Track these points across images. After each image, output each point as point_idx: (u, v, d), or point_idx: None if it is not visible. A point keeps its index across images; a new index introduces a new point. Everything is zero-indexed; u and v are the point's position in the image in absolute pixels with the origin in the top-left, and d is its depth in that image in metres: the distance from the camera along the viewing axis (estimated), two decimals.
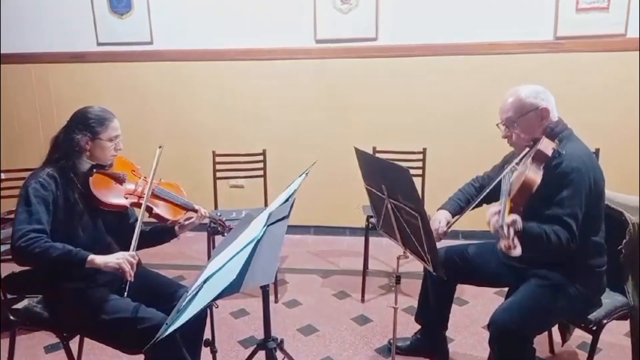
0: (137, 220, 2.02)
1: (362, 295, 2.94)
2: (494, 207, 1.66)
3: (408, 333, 2.45)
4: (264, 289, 1.68)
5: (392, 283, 1.96)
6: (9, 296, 1.92)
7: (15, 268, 1.81)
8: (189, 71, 3.74)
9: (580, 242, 1.73)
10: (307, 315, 2.79)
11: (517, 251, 1.52)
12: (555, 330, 2.26)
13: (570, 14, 3.28)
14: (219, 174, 3.17)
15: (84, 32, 3.74)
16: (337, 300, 2.95)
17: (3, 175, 2.70)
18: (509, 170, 1.82)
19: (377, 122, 3.61)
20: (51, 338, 2.42)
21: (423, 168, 3.08)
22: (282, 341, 1.80)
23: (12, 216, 1.78)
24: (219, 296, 1.33)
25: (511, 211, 1.62)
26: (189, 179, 3.48)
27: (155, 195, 1.97)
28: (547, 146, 1.76)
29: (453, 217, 2.08)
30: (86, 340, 2.20)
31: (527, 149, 1.83)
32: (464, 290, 2.89)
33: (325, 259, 3.53)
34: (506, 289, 2.17)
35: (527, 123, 1.85)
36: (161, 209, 1.96)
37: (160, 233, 2.04)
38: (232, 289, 1.34)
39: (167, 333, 1.29)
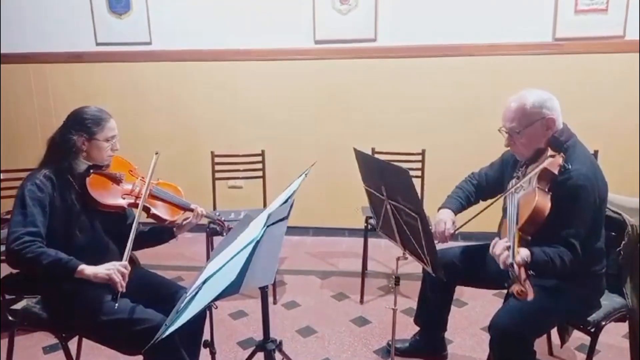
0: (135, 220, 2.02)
1: (361, 297, 2.93)
2: (502, 241, 1.61)
3: (407, 334, 2.45)
4: (263, 290, 1.67)
5: (392, 284, 1.96)
6: (7, 297, 1.92)
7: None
8: (187, 71, 3.74)
9: (582, 252, 1.71)
10: (305, 316, 2.78)
11: (530, 296, 1.48)
12: (553, 331, 2.26)
13: (569, 15, 3.28)
14: (217, 175, 3.17)
15: (82, 32, 3.73)
16: (336, 301, 2.95)
17: (2, 176, 2.70)
18: (513, 189, 1.78)
19: (376, 123, 3.61)
20: (49, 339, 2.43)
21: (422, 169, 3.08)
22: (281, 342, 1.80)
23: (10, 217, 1.77)
24: (219, 297, 1.33)
25: (520, 240, 1.58)
26: (188, 180, 3.47)
27: (152, 196, 1.96)
28: (553, 163, 1.71)
29: (456, 215, 2.05)
30: (85, 341, 2.19)
31: (532, 164, 1.80)
32: (462, 292, 2.89)
33: (324, 260, 3.53)
34: (505, 290, 2.17)
35: (531, 133, 1.80)
36: (159, 210, 1.96)
37: (159, 233, 2.03)
38: (231, 290, 1.34)
39: (166, 334, 1.29)
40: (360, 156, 1.93)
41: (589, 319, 1.87)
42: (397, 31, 3.47)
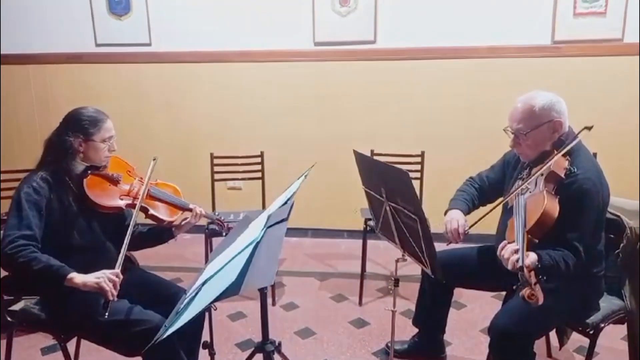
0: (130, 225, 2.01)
1: (360, 299, 2.93)
2: (511, 245, 1.60)
3: (406, 336, 2.45)
4: (262, 292, 1.67)
5: (391, 286, 1.96)
6: (6, 297, 1.91)
7: None
8: (187, 73, 3.74)
9: (584, 255, 1.72)
10: (304, 318, 2.78)
11: (540, 301, 1.48)
12: (552, 333, 2.26)
13: (568, 18, 3.29)
14: (217, 176, 3.17)
15: (82, 33, 3.73)
16: (334, 303, 2.95)
17: (2, 176, 2.70)
18: (519, 190, 1.78)
19: (375, 125, 3.61)
20: (48, 340, 2.43)
21: (421, 171, 3.09)
22: (279, 344, 1.80)
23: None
24: (218, 298, 1.33)
25: (528, 243, 1.58)
26: (187, 181, 3.47)
27: (151, 196, 1.95)
28: (559, 166, 1.72)
29: (465, 216, 2.04)
30: (83, 341, 2.19)
31: (538, 166, 1.80)
32: (461, 294, 2.89)
33: (322, 261, 3.52)
34: (504, 292, 2.17)
35: (538, 136, 1.80)
36: (157, 210, 1.95)
37: (158, 234, 2.02)
38: (231, 291, 1.34)
39: (165, 335, 1.29)
40: (359, 158, 1.93)
41: (587, 321, 1.88)
42: (397, 33, 3.47)
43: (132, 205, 1.87)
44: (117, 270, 1.67)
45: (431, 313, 2.29)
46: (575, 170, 1.73)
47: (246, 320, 2.75)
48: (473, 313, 2.79)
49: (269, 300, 2.87)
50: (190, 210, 2.00)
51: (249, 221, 1.73)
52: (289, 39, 3.57)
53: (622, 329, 2.07)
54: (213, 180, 3.16)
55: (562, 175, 1.72)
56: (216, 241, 2.70)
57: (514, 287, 1.54)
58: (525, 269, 1.48)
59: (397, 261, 1.88)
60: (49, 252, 1.74)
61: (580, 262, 1.70)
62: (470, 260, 2.15)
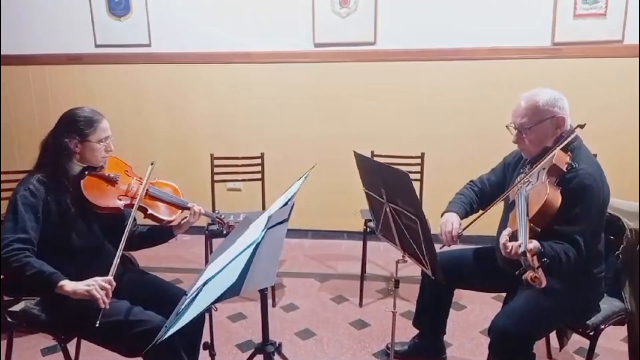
0: (134, 220, 2.01)
1: (360, 300, 2.93)
2: (508, 229, 1.61)
3: (406, 337, 2.45)
4: (262, 293, 1.67)
5: (391, 287, 1.96)
6: (6, 298, 1.91)
7: None
8: (187, 74, 3.74)
9: (584, 252, 1.72)
10: (304, 319, 2.78)
11: (543, 284, 1.49)
12: (552, 335, 2.26)
13: (568, 20, 3.30)
14: (216, 177, 3.17)
15: (82, 34, 3.73)
16: (334, 304, 2.95)
17: (2, 177, 2.69)
18: (521, 182, 1.80)
19: (375, 126, 3.62)
20: (48, 340, 2.43)
21: (421, 172, 3.09)
22: (280, 345, 1.79)
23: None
24: (219, 299, 1.32)
25: (531, 231, 1.59)
26: (187, 182, 3.46)
27: (149, 196, 1.93)
28: (561, 160, 1.74)
29: (461, 219, 2.05)
30: (83, 342, 2.19)
31: (540, 160, 1.81)
32: (461, 295, 2.89)
33: (322, 263, 3.52)
34: (504, 294, 2.17)
35: (541, 131, 1.82)
36: (155, 210, 1.93)
37: (157, 233, 2.02)
38: (232, 292, 1.34)
39: (166, 336, 1.29)
40: (360, 159, 1.93)
41: (587, 322, 1.88)
42: (396, 35, 3.48)
43: (131, 206, 1.86)
44: (110, 277, 1.64)
45: (431, 314, 2.29)
46: (577, 165, 1.74)
47: (246, 321, 2.75)
48: (473, 314, 2.79)
49: (269, 301, 2.87)
50: (190, 209, 1.98)
51: (249, 222, 1.73)
52: (289, 40, 3.58)
53: (622, 330, 2.07)
54: (213, 181, 3.16)
55: (564, 169, 1.73)
56: (216, 242, 2.70)
57: (517, 273, 1.54)
58: (528, 253, 1.49)
59: (397, 262, 1.89)
60: (48, 254, 1.75)
61: (581, 256, 1.70)
62: (470, 262, 2.15)
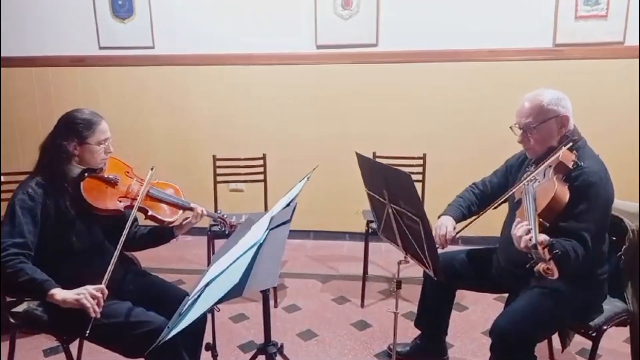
0: (135, 221, 2.00)
1: (362, 301, 2.93)
2: (522, 224, 1.61)
3: (408, 338, 2.45)
4: (264, 293, 1.67)
5: (393, 288, 1.96)
6: (8, 299, 1.92)
7: None
8: (190, 75, 3.76)
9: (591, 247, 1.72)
10: (306, 320, 2.78)
11: (556, 275, 1.48)
12: (555, 336, 2.26)
13: (570, 21, 3.30)
14: (219, 178, 3.18)
15: (85, 36, 3.75)
16: (336, 305, 2.95)
17: (3, 178, 2.70)
18: (527, 180, 1.80)
19: (377, 127, 3.62)
20: (50, 341, 2.43)
21: (423, 173, 3.09)
22: (282, 346, 1.79)
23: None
24: (221, 300, 1.33)
25: (540, 225, 1.59)
26: (189, 183, 3.48)
27: (150, 197, 1.91)
28: (567, 158, 1.75)
29: (457, 223, 2.06)
30: (86, 343, 2.19)
31: (545, 159, 1.81)
32: (463, 296, 2.89)
33: (324, 263, 3.53)
34: (506, 294, 2.17)
35: (546, 130, 1.83)
36: (156, 211, 1.91)
37: (158, 234, 2.01)
38: (234, 293, 1.34)
39: (168, 337, 1.29)
40: (361, 160, 1.94)
41: (590, 323, 1.87)
42: (398, 36, 3.49)
43: (131, 207, 1.84)
44: (102, 285, 1.61)
45: (433, 315, 2.29)
46: (582, 163, 1.75)
47: (248, 322, 2.75)
48: (475, 315, 2.79)
49: (271, 302, 2.87)
50: (192, 209, 1.97)
51: (252, 223, 1.74)
52: (291, 42, 3.59)
53: (625, 331, 2.07)
54: (215, 182, 3.17)
55: (570, 166, 1.74)
56: (219, 243, 2.71)
57: (527, 267, 1.53)
58: (539, 246, 1.49)
59: (399, 263, 1.88)
60: (48, 256, 1.75)
61: (588, 253, 1.70)
62: (472, 262, 2.15)
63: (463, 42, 3.42)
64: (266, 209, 3.09)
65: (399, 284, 1.95)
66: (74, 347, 2.05)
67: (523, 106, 1.87)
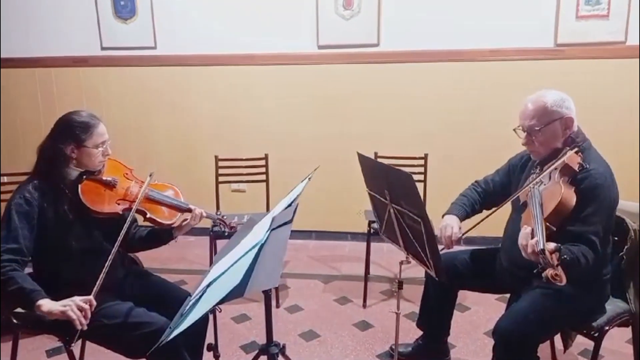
0: (134, 222, 2.00)
1: (364, 301, 2.93)
2: (527, 228, 1.60)
3: (410, 339, 2.45)
4: (266, 294, 1.68)
5: (395, 288, 1.96)
6: None
7: None
8: (192, 76, 3.76)
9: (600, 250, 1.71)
10: (308, 320, 2.78)
11: (564, 281, 1.47)
12: (557, 337, 2.26)
13: (571, 21, 3.30)
14: (221, 178, 3.18)
15: (88, 37, 3.76)
16: (338, 305, 2.95)
17: (5, 179, 2.71)
18: (533, 183, 1.79)
19: (378, 128, 3.62)
20: (52, 342, 2.44)
21: (424, 173, 3.09)
22: (284, 346, 1.80)
23: None
24: (223, 300, 1.33)
25: (547, 230, 1.58)
26: (191, 183, 3.49)
27: (148, 200, 1.90)
28: (573, 160, 1.74)
29: (461, 222, 2.05)
30: (88, 343, 2.20)
31: (551, 161, 1.81)
32: (465, 297, 2.89)
33: (326, 264, 3.53)
34: (508, 295, 2.17)
35: (550, 132, 1.82)
36: (155, 214, 1.90)
37: (157, 236, 2.00)
38: (236, 293, 1.35)
39: (170, 337, 1.29)
40: (363, 160, 1.93)
41: (592, 323, 1.87)
42: (400, 36, 3.49)
43: (129, 210, 1.83)
44: (91, 296, 1.58)
45: (435, 315, 2.29)
46: (588, 166, 1.74)
47: (250, 323, 2.76)
48: (477, 316, 2.79)
49: (273, 303, 2.87)
50: (190, 211, 1.97)
51: (253, 223, 1.74)
52: (293, 42, 3.59)
53: (627, 332, 2.07)
54: (217, 183, 3.17)
55: (576, 169, 1.73)
56: (220, 243, 2.71)
57: (534, 272, 1.52)
58: (546, 252, 1.48)
59: (401, 263, 1.88)
60: (48, 259, 1.76)
61: (598, 257, 1.69)
62: (474, 263, 2.15)
63: (464, 42, 3.42)
64: (268, 209, 3.09)
65: (400, 285, 1.95)
66: (76, 348, 2.05)
67: (526, 108, 1.85)
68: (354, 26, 3.50)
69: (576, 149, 1.78)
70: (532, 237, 1.56)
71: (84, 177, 1.83)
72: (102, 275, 1.63)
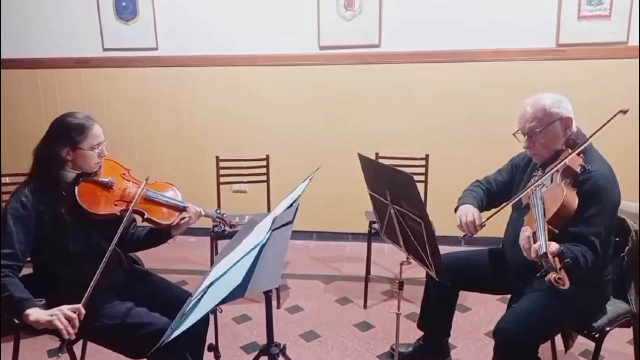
0: (134, 222, 1.99)
1: (365, 301, 2.94)
2: (527, 230, 1.60)
3: (410, 339, 2.45)
4: (267, 294, 1.68)
5: (395, 289, 1.96)
6: None
7: None
8: (193, 77, 3.77)
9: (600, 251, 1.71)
10: (309, 321, 2.79)
11: (567, 285, 1.46)
12: (558, 337, 2.26)
13: (572, 21, 3.29)
14: (222, 179, 3.18)
15: (90, 38, 3.76)
16: (339, 306, 2.96)
17: (7, 179, 2.72)
18: (535, 185, 1.79)
19: (379, 128, 3.62)
20: (53, 342, 2.45)
21: (425, 174, 3.09)
22: (284, 347, 1.80)
23: None
24: (224, 300, 1.34)
25: (549, 232, 1.58)
26: (193, 184, 3.50)
27: (146, 200, 1.89)
28: (574, 162, 1.74)
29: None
30: (89, 344, 2.21)
31: (552, 163, 1.80)
32: (466, 297, 2.89)
33: (327, 264, 3.53)
34: (509, 295, 2.17)
35: (551, 133, 1.82)
36: (153, 214, 1.88)
37: (155, 235, 1.99)
38: (237, 294, 1.35)
39: (171, 337, 1.30)
40: (364, 161, 1.94)
41: (593, 324, 1.87)
42: (401, 37, 3.49)
43: (127, 210, 1.82)
44: (79, 305, 1.57)
45: (436, 316, 2.29)
46: (590, 167, 1.74)
47: (251, 323, 2.76)
48: (478, 316, 2.79)
49: (274, 303, 2.88)
50: (188, 210, 1.95)
51: (254, 224, 1.74)
52: (294, 43, 3.59)
53: (628, 333, 2.07)
54: (218, 183, 3.17)
55: (578, 171, 1.73)
56: (221, 244, 2.72)
57: (537, 275, 1.52)
58: (549, 255, 1.48)
59: (401, 264, 1.89)
60: (46, 261, 1.76)
61: (598, 258, 1.69)
62: (475, 263, 2.15)
63: (466, 42, 3.42)
64: (269, 210, 3.10)
65: (401, 285, 1.95)
66: (77, 348, 2.06)
67: (525, 111, 1.85)
68: (355, 27, 3.50)
69: (580, 149, 1.78)
70: (535, 241, 1.56)
71: (81, 178, 1.82)
72: (95, 277, 1.62)
